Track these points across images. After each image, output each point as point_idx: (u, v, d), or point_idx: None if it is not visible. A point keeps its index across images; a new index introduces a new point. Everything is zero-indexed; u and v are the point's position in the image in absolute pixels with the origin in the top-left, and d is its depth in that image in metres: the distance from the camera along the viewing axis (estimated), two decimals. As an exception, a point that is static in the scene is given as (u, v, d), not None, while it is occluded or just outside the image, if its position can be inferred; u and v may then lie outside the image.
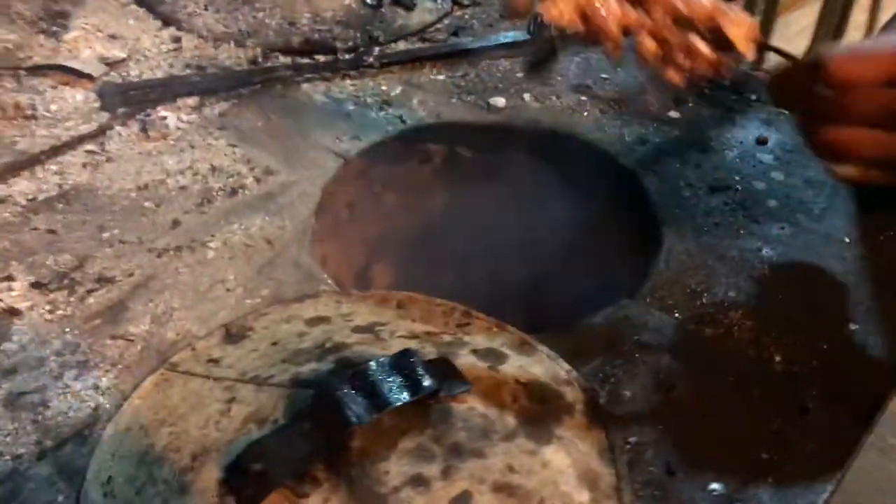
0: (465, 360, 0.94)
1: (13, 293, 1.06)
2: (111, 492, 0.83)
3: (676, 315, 1.06)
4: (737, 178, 1.28)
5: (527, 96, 1.46)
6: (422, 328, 1.00)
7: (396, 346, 0.93)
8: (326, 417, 0.79)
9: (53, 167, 1.27)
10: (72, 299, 1.06)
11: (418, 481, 0.79)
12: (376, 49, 1.55)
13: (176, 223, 1.18)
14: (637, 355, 1.01)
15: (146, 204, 1.21)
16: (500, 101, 1.44)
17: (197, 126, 1.35)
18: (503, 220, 1.40)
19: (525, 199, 1.37)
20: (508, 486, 0.81)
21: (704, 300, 1.08)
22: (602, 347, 1.02)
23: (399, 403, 0.80)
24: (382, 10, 1.62)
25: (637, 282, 1.10)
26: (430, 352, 0.94)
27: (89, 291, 1.08)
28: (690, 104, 1.43)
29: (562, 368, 0.99)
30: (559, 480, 0.84)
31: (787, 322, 1.04)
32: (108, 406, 0.94)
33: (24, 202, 1.20)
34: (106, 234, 1.16)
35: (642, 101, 1.39)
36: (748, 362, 1.00)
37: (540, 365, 0.98)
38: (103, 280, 1.09)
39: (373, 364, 0.82)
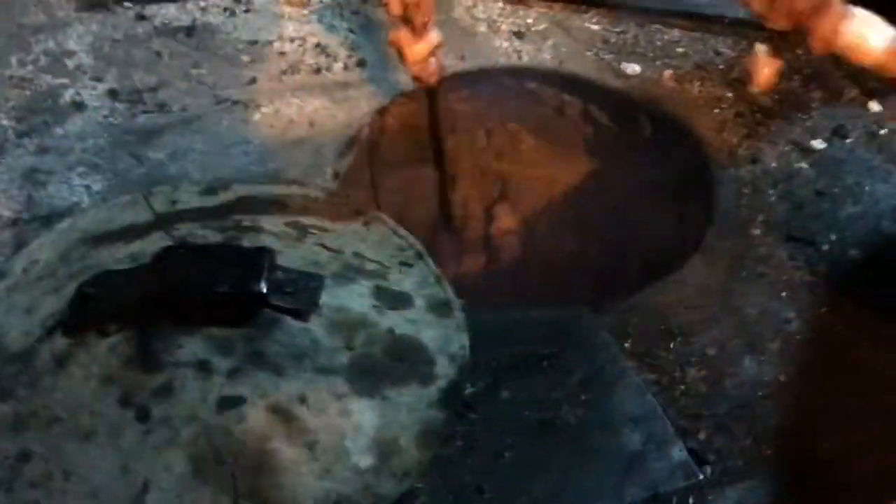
0: (357, 289, 0.91)
1: (93, 92, 1.22)
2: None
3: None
4: (833, 237, 1.05)
5: (667, 73, 1.30)
6: (355, 250, 0.98)
7: (299, 250, 0.93)
8: (165, 276, 0.82)
9: (202, 3, 1.39)
10: (128, 113, 1.19)
11: (203, 367, 0.80)
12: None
13: (252, 81, 1.26)
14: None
15: (244, 58, 1.29)
16: (634, 69, 1.30)
17: (334, 5, 1.39)
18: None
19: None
20: (288, 413, 0.79)
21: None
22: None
23: (218, 291, 0.80)
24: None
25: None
26: (331, 268, 0.92)
27: (144, 112, 1.20)
28: (847, 140, 1.18)
29: (458, 342, 0.92)
30: (349, 436, 0.80)
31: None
32: (85, 203, 1.06)
33: (158, 24, 1.35)
34: (195, 71, 1.27)
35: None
36: None
37: (436, 329, 0.92)
38: (162, 106, 1.21)
39: (225, 248, 0.84)
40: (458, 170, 1.32)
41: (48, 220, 1.03)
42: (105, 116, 1.19)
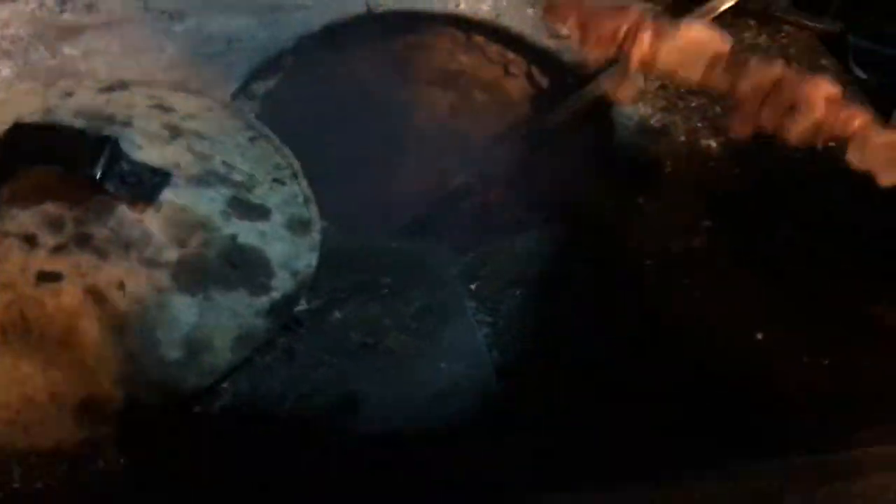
0: (211, 194, 0.92)
1: (31, -11, 1.23)
2: None
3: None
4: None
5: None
6: (227, 159, 0.99)
7: (163, 150, 0.94)
8: (7, 150, 0.84)
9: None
10: (56, 9, 1.21)
11: (29, 240, 0.82)
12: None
13: (186, -7, 1.26)
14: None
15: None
16: (569, 30, 1.28)
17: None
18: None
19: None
20: (103, 296, 0.81)
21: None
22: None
23: (50, 168, 0.82)
24: None
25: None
26: (191, 171, 0.93)
27: (72, 10, 1.21)
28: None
29: (305, 261, 0.92)
30: (161, 328, 0.82)
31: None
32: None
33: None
34: (132, -22, 1.27)
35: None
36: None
37: (286, 245, 0.93)
38: (90, 7, 1.22)
39: (72, 131, 0.85)
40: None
41: (-53, 97, 1.05)
42: (33, 9, 1.20)
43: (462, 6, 1.32)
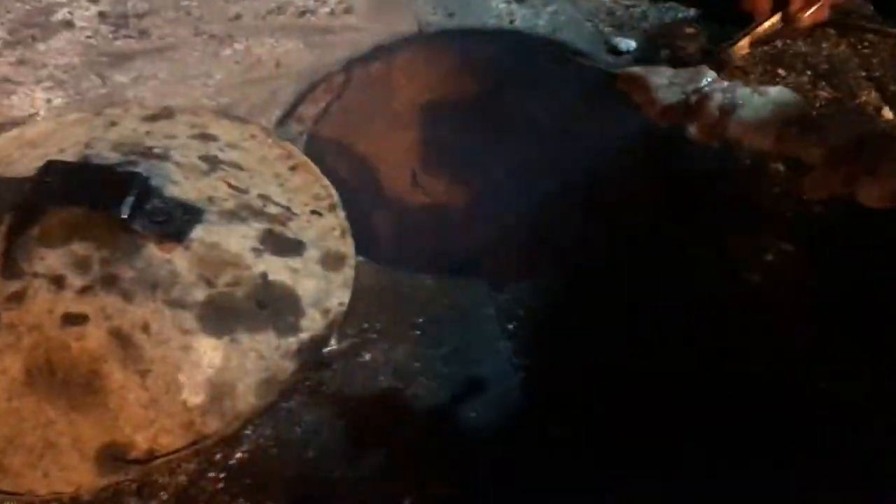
0: (243, 230, 0.90)
1: (85, 13, 1.25)
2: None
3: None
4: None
5: (664, 53, 1.21)
6: (263, 192, 0.97)
7: (199, 183, 0.93)
8: (38, 189, 0.84)
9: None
10: (109, 35, 1.22)
11: (57, 282, 0.81)
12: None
13: (237, 17, 1.26)
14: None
15: (239, -8, 1.29)
16: (629, 45, 1.22)
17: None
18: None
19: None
20: (128, 339, 0.80)
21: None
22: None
23: (78, 208, 0.82)
24: None
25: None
26: (225, 205, 0.92)
27: (125, 36, 1.22)
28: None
29: (337, 298, 0.90)
30: (185, 371, 0.81)
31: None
32: (41, 115, 1.10)
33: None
34: (185, 3, 1.28)
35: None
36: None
37: (317, 281, 0.90)
38: (143, 33, 1.23)
39: (101, 169, 0.85)
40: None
41: (2, 127, 1.07)
42: (88, 37, 1.22)
43: (517, 22, 1.27)
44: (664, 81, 0.94)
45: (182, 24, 1.25)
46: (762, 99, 0.85)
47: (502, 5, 1.29)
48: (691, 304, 0.90)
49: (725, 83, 0.91)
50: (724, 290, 0.92)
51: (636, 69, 0.99)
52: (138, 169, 0.90)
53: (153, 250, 0.84)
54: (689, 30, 1.26)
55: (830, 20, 1.23)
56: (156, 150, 0.96)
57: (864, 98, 1.15)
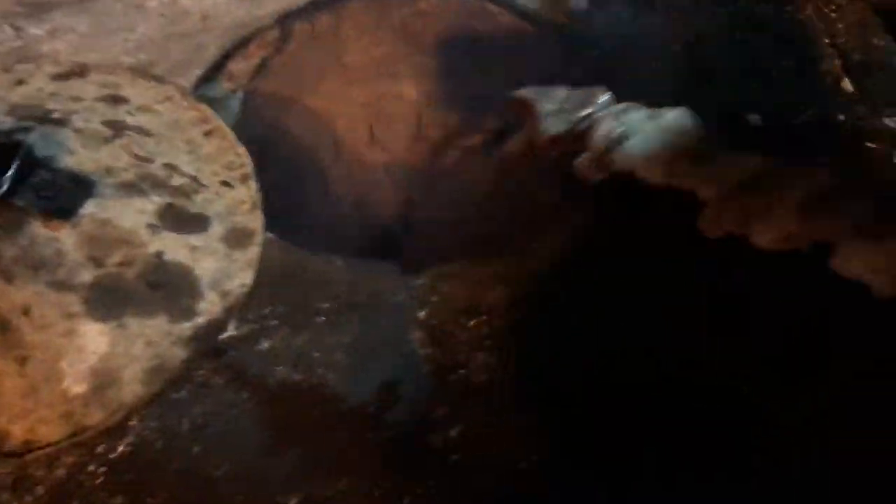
0: (140, 204, 0.85)
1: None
2: None
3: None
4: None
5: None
6: (170, 160, 0.92)
7: (99, 152, 0.87)
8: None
9: None
10: (31, -18, 1.15)
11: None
12: None
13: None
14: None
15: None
16: (579, 3, 1.15)
17: None
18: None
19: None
20: (5, 323, 0.76)
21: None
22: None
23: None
24: None
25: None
26: (124, 176, 0.86)
27: (45, -15, 1.15)
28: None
29: (239, 280, 0.85)
30: (67, 358, 0.76)
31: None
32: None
33: None
34: (114, -54, 1.20)
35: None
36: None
37: (219, 261, 0.85)
38: (64, -19, 1.15)
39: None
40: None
41: None
42: (7, -16, 1.14)
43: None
44: (554, 107, 0.86)
45: (107, -29, 1.17)
46: (655, 124, 0.78)
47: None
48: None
49: (621, 105, 0.84)
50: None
51: (526, 91, 0.91)
52: (31, 136, 0.84)
53: (38, 227, 0.79)
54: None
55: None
56: (55, 115, 0.90)
57: (824, 67, 1.08)
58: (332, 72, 1.17)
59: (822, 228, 0.68)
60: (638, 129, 0.78)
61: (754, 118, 1.01)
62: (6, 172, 0.77)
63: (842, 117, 1.00)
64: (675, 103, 0.84)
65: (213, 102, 1.02)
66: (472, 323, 0.83)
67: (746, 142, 0.98)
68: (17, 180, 0.78)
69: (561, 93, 0.86)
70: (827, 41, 1.11)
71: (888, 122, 0.98)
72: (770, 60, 1.09)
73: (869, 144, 0.95)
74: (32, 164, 0.80)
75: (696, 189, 0.75)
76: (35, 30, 1.10)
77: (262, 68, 1.14)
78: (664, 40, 1.10)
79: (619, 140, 0.78)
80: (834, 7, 1.14)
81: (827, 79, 1.07)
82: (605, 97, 0.83)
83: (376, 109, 1.14)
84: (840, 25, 1.13)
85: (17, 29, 1.10)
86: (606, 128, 0.78)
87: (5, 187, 0.76)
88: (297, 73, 1.15)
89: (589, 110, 0.81)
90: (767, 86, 1.05)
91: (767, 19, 1.13)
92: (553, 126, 0.83)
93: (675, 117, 0.78)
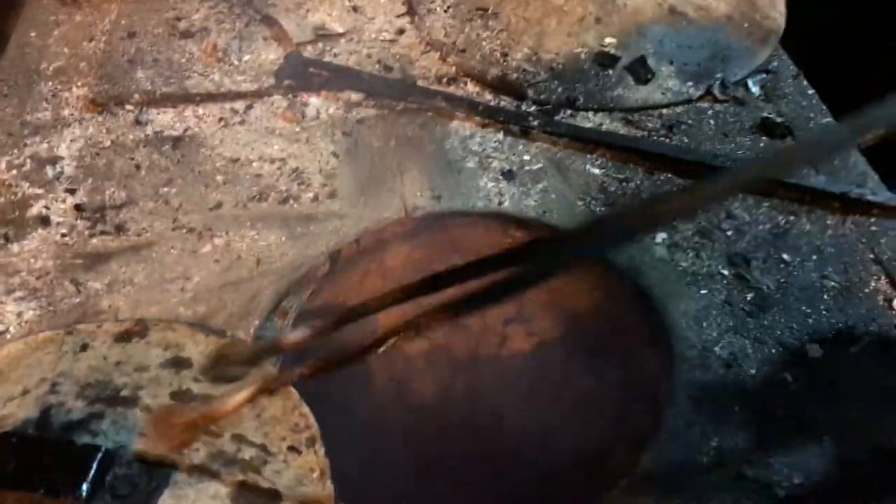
0: (213, 489, 0.84)
1: (62, 206, 1.22)
2: None
3: None
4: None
5: (659, 236, 1.16)
6: (237, 430, 0.92)
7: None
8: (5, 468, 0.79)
9: (200, 110, 1.38)
10: (86, 233, 1.18)
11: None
12: (564, 111, 1.35)
13: (217, 206, 1.22)
14: None
15: (218, 178, 1.27)
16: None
17: (329, 123, 1.35)
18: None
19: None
20: None
21: None
22: None
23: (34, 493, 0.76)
24: (610, 72, 1.39)
25: None
26: (195, 458, 0.86)
27: (102, 233, 1.19)
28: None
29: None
30: None
31: None
32: (11, 332, 1.05)
33: (151, 132, 1.34)
34: (165, 189, 1.25)
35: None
36: None
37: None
38: (119, 228, 1.19)
39: (58, 444, 0.80)
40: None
41: (-32, 347, 1.03)
42: (63, 235, 1.18)
43: (506, 203, 1.23)
44: None
45: (160, 215, 1.21)
46: None
47: (491, 185, 1.25)
48: None
49: None
50: None
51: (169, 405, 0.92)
52: (104, 420, 0.85)
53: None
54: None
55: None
56: (123, 393, 0.91)
57: (873, 285, 1.10)
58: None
59: None
60: None
61: (813, 348, 1.02)
62: (83, 479, 0.77)
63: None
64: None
65: (272, 353, 1.03)
66: None
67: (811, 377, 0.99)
68: (94, 482, 0.77)
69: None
70: (871, 257, 1.13)
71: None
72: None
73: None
74: (108, 463, 0.80)
75: None
76: (94, 283, 1.12)
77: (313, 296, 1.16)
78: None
79: None
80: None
81: (878, 297, 1.08)
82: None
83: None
84: (882, 241, 1.15)
85: (77, 284, 1.12)
86: None
87: (86, 492, 0.76)
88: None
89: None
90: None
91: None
92: None
93: None
